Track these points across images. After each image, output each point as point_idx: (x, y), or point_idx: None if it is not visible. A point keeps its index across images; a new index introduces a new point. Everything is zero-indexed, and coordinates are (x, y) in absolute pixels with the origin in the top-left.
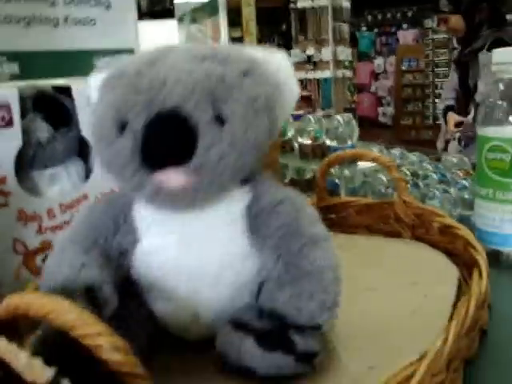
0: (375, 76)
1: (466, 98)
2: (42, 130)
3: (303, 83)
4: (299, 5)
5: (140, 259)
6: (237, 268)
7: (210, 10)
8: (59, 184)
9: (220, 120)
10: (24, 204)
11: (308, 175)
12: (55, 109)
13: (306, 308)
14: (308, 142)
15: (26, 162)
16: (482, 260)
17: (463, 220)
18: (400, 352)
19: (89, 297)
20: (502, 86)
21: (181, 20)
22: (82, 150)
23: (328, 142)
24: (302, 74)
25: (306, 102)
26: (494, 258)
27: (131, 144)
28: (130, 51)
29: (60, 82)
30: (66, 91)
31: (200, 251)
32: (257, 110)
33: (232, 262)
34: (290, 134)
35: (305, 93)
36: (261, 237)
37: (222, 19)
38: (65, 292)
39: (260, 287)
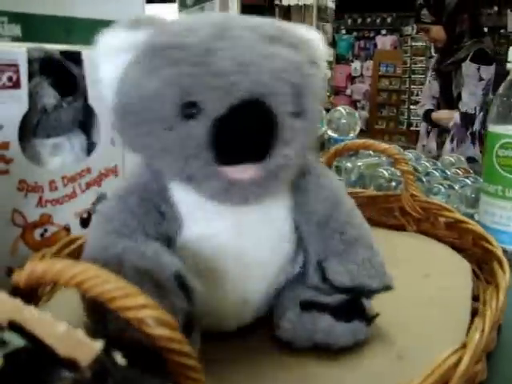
0: (351, 79)
1: (448, 107)
2: (49, 95)
3: None
4: (285, 2)
5: (185, 247)
6: (283, 248)
7: None
8: (61, 155)
9: (296, 114)
10: (26, 173)
11: None
12: (62, 75)
13: (376, 273)
14: None
15: (29, 129)
16: (500, 253)
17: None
18: (426, 342)
19: (179, 283)
20: None
21: (183, 1)
22: (87, 121)
23: (330, 133)
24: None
25: None
26: None
27: (206, 132)
28: None
29: (68, 47)
30: (75, 58)
31: (253, 234)
32: (320, 101)
33: (281, 243)
34: None
35: None
36: (306, 212)
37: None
38: (149, 281)
39: (322, 267)
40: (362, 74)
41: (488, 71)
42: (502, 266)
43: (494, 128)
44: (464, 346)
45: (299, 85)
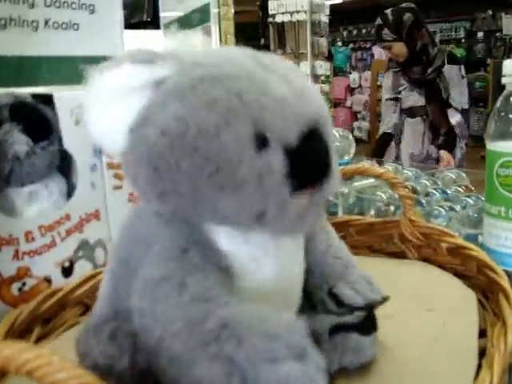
0: (351, 91)
1: (442, 109)
2: (20, 142)
3: None
4: (278, 19)
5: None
6: (302, 277)
7: (200, 18)
8: (38, 203)
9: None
10: None
11: None
12: (35, 120)
13: (373, 287)
14: None
15: (1, 179)
16: (506, 284)
17: (469, 239)
18: None
19: (314, 339)
20: None
21: (167, 28)
22: (64, 165)
23: None
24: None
25: None
26: None
27: (283, 163)
28: None
29: (40, 89)
30: (47, 100)
31: (292, 269)
32: None
33: (302, 272)
34: None
35: None
36: (313, 241)
37: (214, 27)
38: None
39: (333, 293)
40: (360, 85)
41: (463, 70)
42: (508, 299)
43: (492, 145)
44: None
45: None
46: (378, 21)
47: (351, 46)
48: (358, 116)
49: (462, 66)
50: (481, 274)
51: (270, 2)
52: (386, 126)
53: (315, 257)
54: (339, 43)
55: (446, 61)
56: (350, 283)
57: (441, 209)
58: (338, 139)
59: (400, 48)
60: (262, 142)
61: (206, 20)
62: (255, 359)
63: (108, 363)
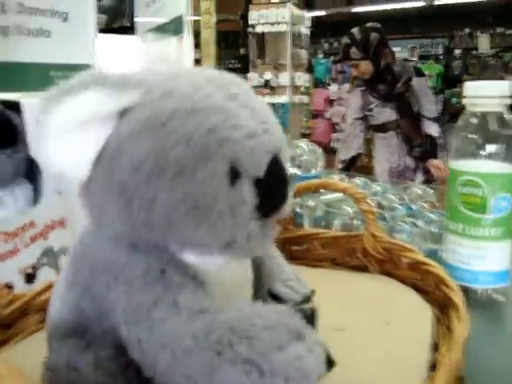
0: (330, 102)
1: (414, 122)
2: None
3: None
4: (258, 29)
5: None
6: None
7: (174, 28)
8: (3, 210)
9: None
10: None
11: None
12: (1, 126)
13: (303, 282)
14: None
15: None
16: (459, 299)
17: (430, 254)
18: None
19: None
20: (474, 120)
21: (142, 37)
22: (30, 172)
23: (292, 170)
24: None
25: None
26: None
27: (254, 194)
28: (87, 67)
29: (7, 96)
30: (15, 107)
31: (246, 271)
32: None
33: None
34: None
35: None
36: None
37: (187, 39)
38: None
39: (272, 294)
40: (340, 97)
41: (428, 81)
42: (458, 315)
43: (453, 164)
44: None
45: None
46: (346, 40)
47: (332, 58)
48: (337, 128)
49: (427, 78)
50: (437, 289)
51: (250, 12)
52: (356, 148)
53: (259, 259)
54: (320, 55)
55: (414, 74)
56: (284, 281)
57: (404, 224)
58: (306, 153)
59: (366, 66)
60: (234, 175)
61: (180, 31)
62: (266, 351)
63: None
